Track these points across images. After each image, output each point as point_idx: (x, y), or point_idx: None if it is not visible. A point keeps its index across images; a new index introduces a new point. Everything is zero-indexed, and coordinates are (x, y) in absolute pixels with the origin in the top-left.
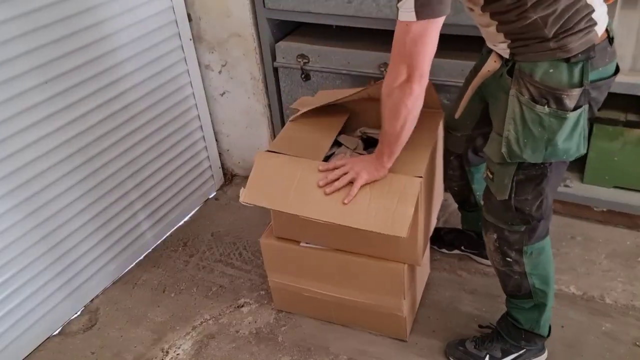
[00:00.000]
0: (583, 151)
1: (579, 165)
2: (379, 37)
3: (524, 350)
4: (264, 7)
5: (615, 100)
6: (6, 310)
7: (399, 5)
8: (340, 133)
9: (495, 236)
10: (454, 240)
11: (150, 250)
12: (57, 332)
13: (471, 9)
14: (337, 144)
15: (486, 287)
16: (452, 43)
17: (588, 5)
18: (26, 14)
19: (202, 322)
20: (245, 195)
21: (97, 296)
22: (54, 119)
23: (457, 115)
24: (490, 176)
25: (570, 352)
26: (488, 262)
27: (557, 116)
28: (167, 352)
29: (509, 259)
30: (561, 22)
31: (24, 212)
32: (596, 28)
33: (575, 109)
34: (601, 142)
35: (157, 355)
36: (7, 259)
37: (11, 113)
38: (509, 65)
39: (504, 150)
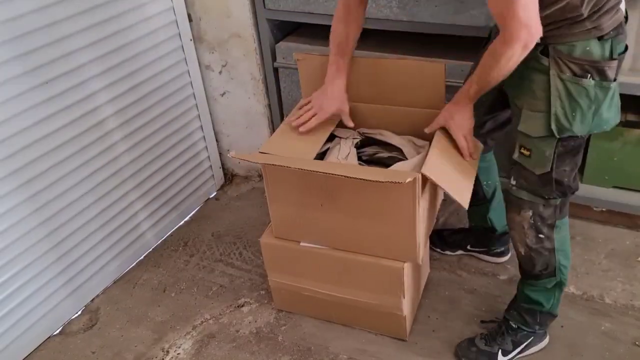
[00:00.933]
0: (618, 120)
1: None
2: (379, 37)
3: (532, 337)
4: (264, 7)
5: None
6: (7, 309)
7: None
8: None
9: (530, 212)
10: (460, 241)
11: (150, 250)
12: (57, 331)
13: None
14: (330, 138)
15: (486, 286)
16: (452, 43)
17: None
18: (26, 14)
19: (202, 322)
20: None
21: (97, 296)
22: (54, 119)
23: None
24: (527, 153)
25: (570, 352)
26: (495, 260)
27: (601, 87)
28: (168, 351)
29: (541, 235)
30: (594, 1)
31: (25, 212)
32: (621, 6)
33: (614, 79)
34: (601, 142)
35: (158, 355)
36: (8, 259)
37: (11, 113)
38: (539, 48)
39: (553, 126)
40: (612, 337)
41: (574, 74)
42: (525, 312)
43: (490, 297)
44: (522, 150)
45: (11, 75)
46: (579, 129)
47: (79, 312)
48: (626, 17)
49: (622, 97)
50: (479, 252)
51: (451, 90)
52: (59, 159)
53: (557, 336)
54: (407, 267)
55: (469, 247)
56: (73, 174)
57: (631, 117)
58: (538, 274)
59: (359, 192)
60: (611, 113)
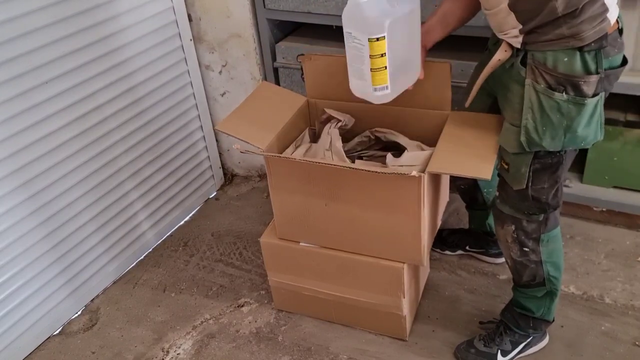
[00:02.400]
0: (600, 137)
1: (578, 166)
2: None
3: (531, 337)
4: (264, 7)
5: (615, 100)
6: (7, 309)
7: None
8: (347, 138)
9: (512, 227)
10: (458, 241)
11: (150, 250)
12: (57, 331)
13: None
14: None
15: (486, 286)
16: (453, 43)
17: None
18: (26, 14)
19: (202, 322)
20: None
21: (97, 296)
22: (55, 119)
23: (466, 104)
24: (506, 167)
25: (570, 351)
26: (493, 260)
27: (575, 103)
28: (168, 351)
29: (526, 249)
30: (574, 2)
31: (25, 212)
32: (608, 15)
33: (593, 95)
34: (601, 142)
35: (158, 355)
36: (8, 259)
37: (11, 113)
38: (520, 55)
39: (522, 139)
40: (612, 337)
41: (549, 86)
42: (518, 317)
43: (490, 297)
44: (503, 164)
45: (11, 75)
46: (549, 144)
47: (79, 312)
48: (621, 29)
49: (622, 97)
50: (477, 253)
51: (455, 91)
52: (59, 158)
53: (557, 336)
54: (407, 267)
55: (467, 248)
56: (73, 173)
57: (631, 117)
58: (526, 284)
59: (364, 188)
60: (589, 130)
